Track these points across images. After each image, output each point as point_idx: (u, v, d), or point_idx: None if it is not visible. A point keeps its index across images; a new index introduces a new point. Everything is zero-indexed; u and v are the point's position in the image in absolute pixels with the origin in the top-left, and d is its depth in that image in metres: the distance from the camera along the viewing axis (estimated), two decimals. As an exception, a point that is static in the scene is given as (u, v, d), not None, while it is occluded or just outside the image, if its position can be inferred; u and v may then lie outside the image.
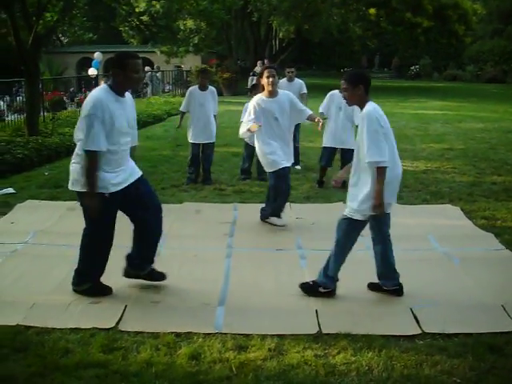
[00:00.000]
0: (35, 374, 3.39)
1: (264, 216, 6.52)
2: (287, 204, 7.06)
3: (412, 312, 4.22)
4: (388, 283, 4.55)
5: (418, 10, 34.44)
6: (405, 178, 8.73)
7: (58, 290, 4.62)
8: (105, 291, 4.51)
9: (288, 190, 6.44)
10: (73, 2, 13.08)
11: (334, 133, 8.13)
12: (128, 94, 4.46)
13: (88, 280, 4.51)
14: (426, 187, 8.24)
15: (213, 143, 8.57)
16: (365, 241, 5.68)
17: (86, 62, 29.09)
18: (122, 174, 4.33)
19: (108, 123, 4.10)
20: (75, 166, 4.35)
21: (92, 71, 25.20)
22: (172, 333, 3.88)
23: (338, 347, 3.72)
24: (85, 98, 19.54)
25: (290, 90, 9.30)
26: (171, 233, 6.01)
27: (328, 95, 8.22)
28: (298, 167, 9.57)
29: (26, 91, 12.79)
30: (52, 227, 6.34)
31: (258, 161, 8.86)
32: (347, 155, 8.19)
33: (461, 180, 8.75)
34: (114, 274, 4.75)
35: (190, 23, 28.64)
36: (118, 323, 4.04)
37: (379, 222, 4.46)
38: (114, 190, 4.27)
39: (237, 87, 27.23)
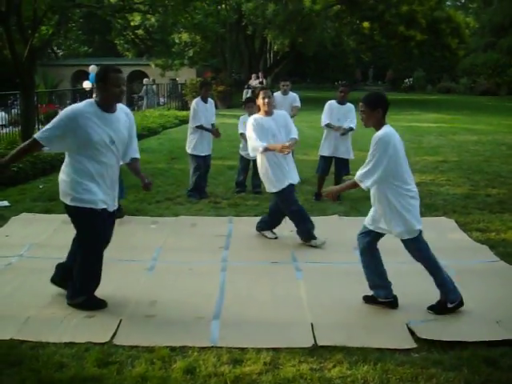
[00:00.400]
0: (29, 388, 3.37)
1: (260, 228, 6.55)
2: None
3: (407, 325, 4.22)
4: (381, 293, 4.56)
5: (411, 24, 34.68)
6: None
7: (52, 303, 4.59)
8: (99, 305, 4.50)
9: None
10: (68, 15, 13.15)
11: (330, 142, 8.25)
12: (126, 110, 4.48)
13: (82, 293, 4.49)
14: (420, 200, 8.23)
15: (209, 156, 8.65)
16: (358, 254, 5.70)
17: (82, 75, 29.15)
18: (108, 198, 4.37)
19: (81, 136, 4.15)
20: (62, 177, 4.38)
21: (86, 84, 25.25)
22: (167, 347, 3.87)
23: (334, 360, 3.72)
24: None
25: (285, 102, 9.41)
26: (166, 246, 6.01)
27: (327, 106, 8.31)
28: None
29: (21, 104, 12.79)
30: (47, 240, 6.32)
31: (253, 174, 8.90)
32: (340, 164, 8.31)
33: (455, 192, 8.79)
34: (108, 287, 4.74)
35: (184, 36, 28.81)
36: (112, 337, 4.02)
37: (373, 235, 4.51)
38: (102, 206, 4.30)
39: (231, 100, 27.32)
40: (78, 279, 4.47)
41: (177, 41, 28.35)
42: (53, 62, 37.52)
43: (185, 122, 8.57)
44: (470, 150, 13.47)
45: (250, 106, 8.99)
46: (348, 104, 8.22)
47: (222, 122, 17.15)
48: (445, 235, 6.53)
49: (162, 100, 28.53)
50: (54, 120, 4.23)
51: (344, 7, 33.79)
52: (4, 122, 14.42)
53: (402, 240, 4.47)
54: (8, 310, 4.45)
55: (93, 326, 4.19)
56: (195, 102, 8.50)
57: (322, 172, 8.39)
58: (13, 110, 15.43)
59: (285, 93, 9.46)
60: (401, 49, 39.25)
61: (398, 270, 5.38)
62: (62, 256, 5.57)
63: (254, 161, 8.86)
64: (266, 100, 6.20)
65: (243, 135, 8.69)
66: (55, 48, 38.85)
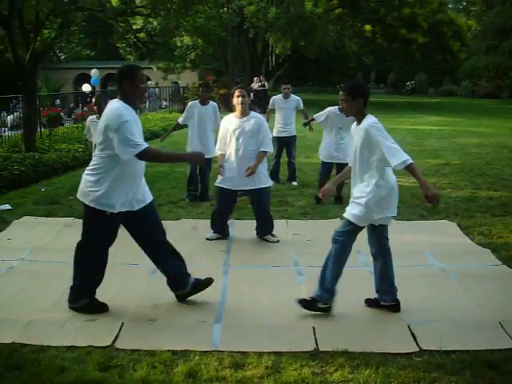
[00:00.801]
0: (31, 392, 3.37)
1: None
2: (284, 220, 7.08)
3: (409, 329, 4.21)
4: (387, 298, 4.54)
5: (413, 27, 34.77)
6: (401, 194, 8.71)
7: (54, 307, 4.59)
8: (101, 308, 4.49)
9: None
10: (70, 18, 13.16)
11: (326, 147, 8.18)
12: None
13: (84, 296, 4.49)
14: (422, 203, 8.25)
15: (209, 159, 8.48)
16: (361, 257, 5.69)
17: (84, 78, 29.20)
18: (132, 195, 4.34)
19: None
20: (86, 178, 4.33)
21: (86, 87, 25.29)
22: (168, 350, 3.86)
23: (336, 364, 3.71)
24: (81, 113, 19.55)
25: (286, 106, 9.43)
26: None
27: (327, 111, 8.11)
28: (295, 183, 9.60)
29: (23, 107, 12.82)
30: (49, 244, 6.33)
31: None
32: (341, 170, 8.15)
33: (457, 195, 8.77)
34: (110, 291, 4.74)
35: (186, 40, 28.84)
36: (114, 341, 4.02)
37: (380, 234, 4.47)
38: (120, 209, 4.29)
39: (233, 103, 27.30)
40: (78, 280, 4.49)
41: (179, 44, 28.41)
42: (55, 66, 37.64)
43: (187, 125, 8.52)
44: (471, 153, 13.47)
45: (253, 109, 9.01)
46: None
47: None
48: (447, 238, 6.51)
49: (164, 103, 28.59)
50: (129, 129, 4.08)
51: (346, 10, 33.86)
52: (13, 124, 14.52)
53: (382, 226, 4.42)
54: (9, 314, 4.44)
55: (94, 330, 4.19)
56: (189, 103, 8.64)
57: (323, 176, 8.33)
58: (15, 113, 15.47)
59: (286, 96, 9.48)
60: (402, 52, 39.37)
61: (400, 274, 5.37)
62: (64, 260, 5.59)
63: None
64: (240, 99, 6.10)
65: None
66: (57, 51, 38.89)
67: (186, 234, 6.70)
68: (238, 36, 31.99)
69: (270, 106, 9.66)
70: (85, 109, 19.88)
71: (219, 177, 6.29)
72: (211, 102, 8.47)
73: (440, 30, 35.97)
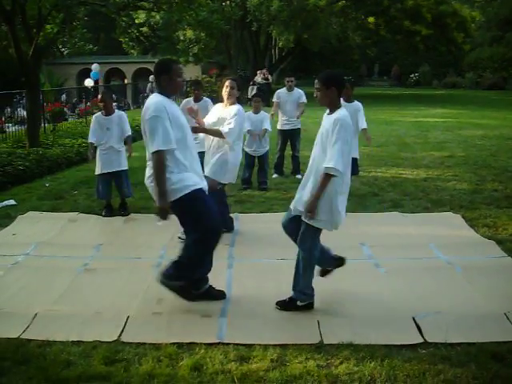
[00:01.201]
0: (37, 386, 3.39)
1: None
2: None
3: (414, 321, 4.21)
4: (328, 263, 4.62)
5: (416, 19, 34.56)
6: (405, 187, 8.78)
7: (59, 301, 4.61)
8: (193, 297, 4.47)
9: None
10: (73, 13, 13.15)
11: None
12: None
13: (185, 278, 4.44)
14: (426, 195, 8.24)
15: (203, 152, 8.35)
16: (365, 250, 5.69)
17: (87, 73, 29.22)
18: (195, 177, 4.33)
19: (173, 122, 4.19)
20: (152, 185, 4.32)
21: (88, 82, 25.31)
22: (174, 344, 3.87)
23: (341, 357, 3.71)
24: (85, 108, 19.59)
25: (290, 99, 9.40)
26: (173, 243, 6.01)
27: None
28: (299, 176, 9.57)
29: (26, 102, 12.83)
30: (53, 239, 6.34)
31: (259, 170, 8.89)
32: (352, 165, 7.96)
33: (462, 187, 8.75)
34: (115, 285, 4.76)
35: (189, 33, 28.81)
36: (119, 335, 4.03)
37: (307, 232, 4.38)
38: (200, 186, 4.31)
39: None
40: (188, 264, 4.42)
41: (182, 38, 28.36)
42: (58, 61, 37.63)
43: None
44: (476, 145, 13.42)
45: (257, 101, 9.00)
46: (355, 102, 7.78)
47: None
48: (451, 231, 6.50)
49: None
50: (155, 125, 4.13)
51: (349, 2, 33.66)
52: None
53: (305, 223, 4.28)
54: (15, 309, 4.46)
55: (100, 324, 4.20)
56: (184, 101, 8.49)
57: None
58: (18, 109, 15.50)
59: (290, 89, 9.45)
60: (406, 44, 39.16)
61: (405, 266, 5.37)
62: (69, 254, 5.61)
63: (259, 157, 8.90)
64: (228, 90, 6.03)
65: (249, 131, 8.70)
66: (60, 46, 38.91)
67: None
68: (241, 29, 31.89)
69: (275, 100, 9.63)
70: (88, 104, 19.90)
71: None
72: (205, 98, 8.42)
73: (444, 21, 35.74)
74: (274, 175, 9.65)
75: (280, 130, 9.55)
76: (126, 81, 35.96)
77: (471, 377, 3.48)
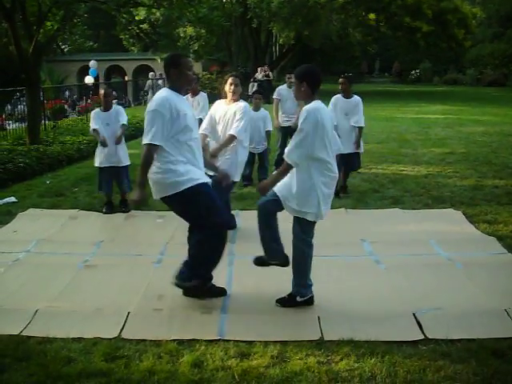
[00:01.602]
0: (37, 383, 3.39)
1: None
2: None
3: (415, 317, 4.21)
4: (273, 255, 4.55)
5: (417, 15, 34.47)
6: (406, 183, 8.77)
7: (60, 298, 4.61)
8: (208, 293, 4.51)
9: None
10: (73, 10, 13.13)
11: (342, 139, 7.98)
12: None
13: (198, 277, 4.45)
14: (427, 192, 8.23)
15: None
16: (365, 247, 5.69)
17: (87, 70, 29.19)
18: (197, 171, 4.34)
19: (175, 119, 4.18)
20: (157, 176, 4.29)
21: (88, 79, 25.30)
22: (174, 340, 3.87)
23: (341, 354, 3.71)
24: (85, 105, 19.56)
25: (290, 95, 9.38)
26: (173, 240, 6.02)
27: (331, 102, 7.86)
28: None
29: (27, 100, 12.82)
30: (54, 236, 6.34)
31: (259, 167, 8.89)
32: (343, 160, 7.47)
33: (462, 184, 8.74)
34: (115, 281, 4.76)
35: (190, 30, 28.76)
36: (120, 331, 4.03)
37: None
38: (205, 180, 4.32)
39: (237, 93, 27.21)
40: (201, 262, 4.42)
41: (182, 35, 28.31)
42: (59, 58, 37.56)
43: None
44: (477, 142, 13.40)
45: (257, 98, 8.99)
46: (354, 97, 7.79)
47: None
48: (452, 227, 6.49)
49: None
50: (151, 119, 4.16)
51: (349, -1, 33.62)
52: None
53: (297, 218, 4.35)
54: (16, 306, 4.47)
55: (100, 321, 4.21)
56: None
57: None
58: (19, 106, 15.49)
59: (290, 86, 9.44)
60: (407, 40, 39.05)
61: (405, 262, 5.38)
62: (70, 251, 5.61)
63: (259, 154, 8.90)
64: (232, 87, 6.01)
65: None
66: (60, 43, 38.86)
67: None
68: (242, 26, 31.84)
69: (276, 97, 9.61)
70: (89, 101, 19.90)
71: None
72: (201, 93, 8.46)
73: (445, 17, 35.64)
74: (275, 172, 9.64)
75: (280, 126, 9.55)
76: (126, 78, 35.93)
77: (472, 373, 3.48)
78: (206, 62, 35.16)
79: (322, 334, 3.99)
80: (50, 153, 10.75)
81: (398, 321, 4.20)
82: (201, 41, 29.87)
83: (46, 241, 6.13)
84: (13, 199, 7.93)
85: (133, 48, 30.12)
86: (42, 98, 14.74)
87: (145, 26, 24.22)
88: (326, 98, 8.47)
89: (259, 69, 26.41)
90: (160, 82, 27.98)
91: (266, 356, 3.68)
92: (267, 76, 25.85)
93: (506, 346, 3.78)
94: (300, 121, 4.19)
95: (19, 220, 6.95)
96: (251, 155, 8.81)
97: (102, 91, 7.38)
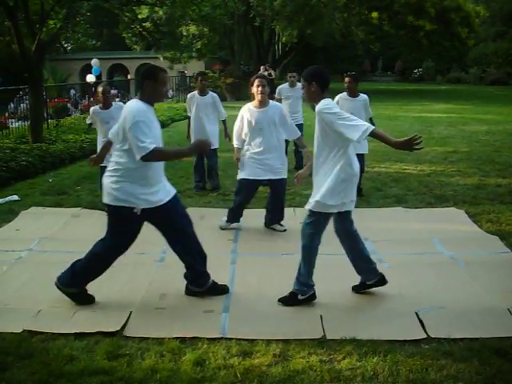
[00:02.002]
0: (40, 381, 3.40)
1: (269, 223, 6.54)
2: (291, 209, 7.08)
3: (417, 316, 4.20)
4: (370, 276, 4.56)
5: (420, 14, 34.43)
6: (409, 182, 8.76)
7: (62, 297, 4.60)
8: (89, 300, 4.50)
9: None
10: (76, 8, 13.16)
11: None
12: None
13: (78, 285, 4.50)
14: (430, 190, 8.22)
15: (213, 150, 8.26)
16: (368, 245, 5.69)
17: (90, 69, 29.22)
18: (159, 191, 4.35)
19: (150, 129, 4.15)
20: (111, 179, 4.35)
21: (90, 78, 25.32)
22: (176, 339, 3.88)
23: (343, 352, 3.71)
24: (88, 104, 19.56)
25: (292, 94, 9.39)
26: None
27: (338, 97, 7.70)
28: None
29: (29, 98, 12.84)
30: (57, 234, 6.35)
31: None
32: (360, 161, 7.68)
33: (465, 183, 8.73)
34: (118, 280, 4.76)
35: (192, 29, 28.73)
36: (122, 330, 4.03)
37: (344, 219, 4.57)
38: (145, 206, 4.29)
39: (240, 92, 27.25)
40: (85, 272, 4.49)
41: (184, 33, 28.28)
42: (61, 56, 37.67)
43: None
44: (480, 140, 13.38)
45: (271, 98, 8.97)
46: (361, 95, 7.67)
47: (230, 114, 17.04)
48: (455, 226, 6.49)
49: (170, 93, 28.55)
50: (140, 129, 4.06)
51: (352, -3, 33.57)
52: None
53: (309, 209, 4.39)
54: (18, 304, 4.47)
55: (103, 319, 4.21)
56: (189, 95, 8.67)
57: None
58: (22, 105, 15.50)
59: (292, 84, 9.44)
60: (410, 39, 39.02)
61: (408, 261, 5.37)
62: (72, 250, 5.61)
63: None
64: (260, 89, 6.01)
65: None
66: (63, 42, 38.92)
67: (194, 223, 6.69)
68: (245, 24, 31.80)
69: (276, 96, 9.60)
70: (91, 99, 19.91)
71: (239, 171, 6.30)
72: (210, 93, 8.41)
73: (448, 16, 35.59)
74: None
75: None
76: (129, 76, 35.97)
77: (474, 372, 3.47)
78: (208, 61, 35.17)
79: (324, 332, 3.98)
80: (52, 151, 10.77)
81: (400, 320, 4.20)
82: (203, 39, 29.84)
83: (49, 239, 6.13)
84: (15, 197, 7.94)
85: (135, 46, 30.09)
86: (44, 97, 14.76)
87: (147, 24, 24.21)
88: (328, 96, 8.46)
89: (262, 67, 26.38)
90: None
91: (268, 354, 3.68)
92: (270, 75, 25.82)
93: (509, 345, 3.77)
94: (326, 116, 4.16)
95: (22, 218, 6.96)
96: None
97: (100, 89, 7.38)
